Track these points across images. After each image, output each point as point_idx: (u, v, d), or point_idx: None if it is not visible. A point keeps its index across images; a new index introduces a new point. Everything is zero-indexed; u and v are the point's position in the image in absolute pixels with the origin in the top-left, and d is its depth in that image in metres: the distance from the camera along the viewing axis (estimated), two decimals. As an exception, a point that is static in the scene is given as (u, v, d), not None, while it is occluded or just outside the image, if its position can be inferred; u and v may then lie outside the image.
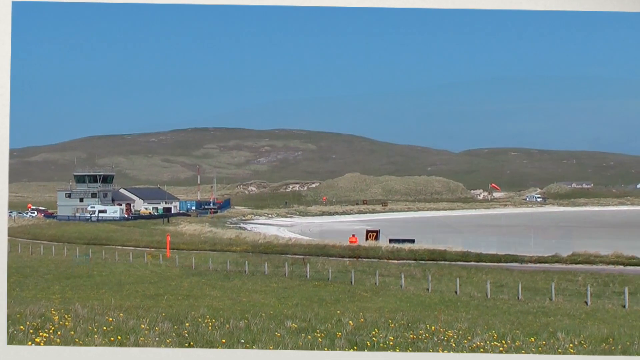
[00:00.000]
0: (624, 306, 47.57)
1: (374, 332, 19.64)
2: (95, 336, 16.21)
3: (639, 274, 64.80)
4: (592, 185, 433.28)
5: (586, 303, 49.36)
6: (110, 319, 20.15)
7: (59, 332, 16.51)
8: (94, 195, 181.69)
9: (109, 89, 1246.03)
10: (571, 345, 19.31)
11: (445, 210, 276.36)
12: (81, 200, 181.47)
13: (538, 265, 79.60)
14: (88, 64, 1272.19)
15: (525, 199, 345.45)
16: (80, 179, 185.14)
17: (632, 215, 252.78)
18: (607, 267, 76.09)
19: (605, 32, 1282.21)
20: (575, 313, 44.07)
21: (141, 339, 16.18)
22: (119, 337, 16.25)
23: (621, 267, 76.75)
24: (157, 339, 16.45)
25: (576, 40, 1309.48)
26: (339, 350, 16.68)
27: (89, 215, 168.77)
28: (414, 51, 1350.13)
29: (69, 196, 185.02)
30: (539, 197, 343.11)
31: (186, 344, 16.32)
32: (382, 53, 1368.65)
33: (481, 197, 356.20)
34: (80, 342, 15.48)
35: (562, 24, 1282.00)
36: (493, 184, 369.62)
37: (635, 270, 71.74)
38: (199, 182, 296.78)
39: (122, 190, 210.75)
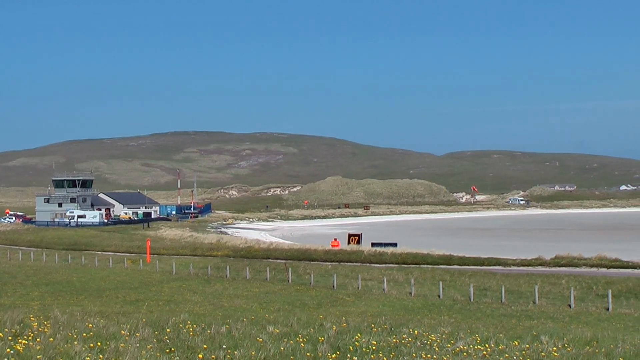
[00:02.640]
0: (608, 309, 47.65)
1: (356, 337, 19.43)
2: (75, 343, 15.92)
3: (623, 277, 64.97)
4: (575, 187, 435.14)
5: (570, 306, 49.40)
6: (90, 325, 19.84)
7: (38, 339, 16.22)
8: (73, 200, 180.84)
9: (88, 92, 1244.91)
10: (555, 348, 19.17)
11: (428, 213, 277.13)
12: (60, 205, 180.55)
13: (521, 268, 79.70)
14: (67, 68, 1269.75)
15: (508, 201, 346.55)
16: (59, 184, 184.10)
17: (615, 217, 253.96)
18: (591, 270, 76.31)
19: (590, 34, 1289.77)
20: (559, 316, 44.11)
21: (121, 345, 15.92)
22: (99, 344, 15.98)
23: (604, 269, 77.00)
24: (137, 345, 16.19)
25: (560, 42, 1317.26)
26: (322, 355, 16.50)
27: (68, 220, 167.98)
28: (395, 53, 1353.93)
29: (48, 201, 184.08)
30: (521, 200, 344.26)
31: (167, 350, 16.08)
32: (364, 56, 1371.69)
33: (464, 199, 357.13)
34: (60, 348, 15.22)
35: (547, 25, 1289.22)
36: (474, 187, 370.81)
37: (618, 272, 71.97)
38: (179, 186, 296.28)
39: (101, 195, 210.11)
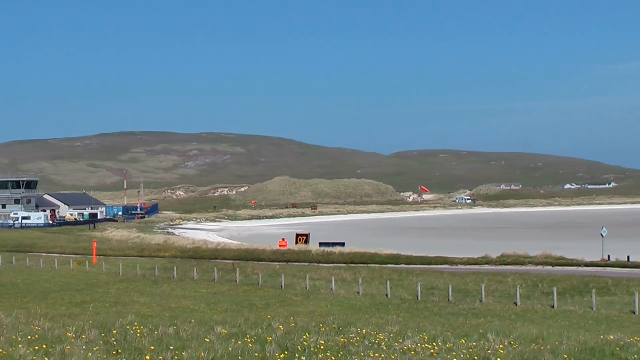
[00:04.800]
0: (553, 306, 48.15)
1: (304, 337, 19.43)
2: (20, 345, 15.74)
3: (567, 274, 65.64)
4: (520, 186, 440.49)
5: (516, 304, 49.84)
6: (36, 327, 19.62)
7: (-19, 343, 16.02)
8: (17, 201, 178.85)
9: (32, 92, 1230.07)
10: (501, 346, 19.30)
11: (375, 212, 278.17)
12: (4, 206, 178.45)
13: (468, 267, 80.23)
14: (9, 67, 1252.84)
15: (455, 200, 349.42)
16: (2, 185, 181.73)
17: (560, 215, 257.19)
18: (536, 268, 77.03)
19: (533, 34, 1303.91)
20: (505, 314, 44.50)
21: (67, 347, 15.76)
22: (44, 346, 15.80)
23: (550, 267, 77.83)
24: (84, 347, 16.04)
25: (504, 42, 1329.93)
26: (270, 355, 16.48)
27: (12, 222, 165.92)
28: (342, 52, 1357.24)
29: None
30: (468, 199, 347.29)
31: (114, 352, 15.95)
32: (310, 55, 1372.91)
33: (411, 199, 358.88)
34: (4, 352, 15.02)
35: (490, 25, 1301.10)
36: (422, 186, 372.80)
37: (563, 270, 72.71)
38: (125, 186, 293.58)
39: (46, 196, 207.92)
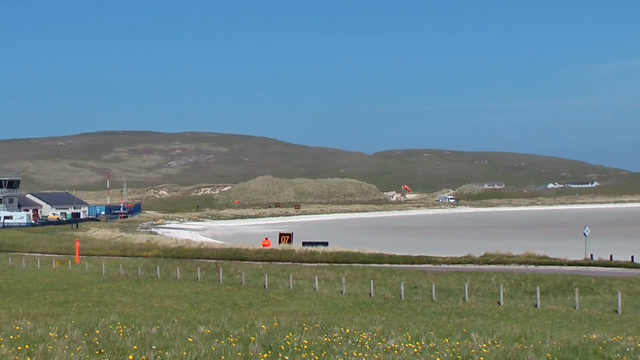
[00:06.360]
0: (536, 305, 48.26)
1: (288, 336, 19.40)
2: (2, 345, 15.65)
3: (550, 274, 65.77)
4: (503, 185, 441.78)
5: (499, 303, 49.92)
6: (18, 327, 19.53)
7: (-37, 343, 15.92)
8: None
9: (14, 91, 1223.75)
10: (484, 345, 19.32)
11: (359, 212, 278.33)
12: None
13: (451, 266, 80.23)
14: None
15: (438, 200, 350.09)
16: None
17: (543, 215, 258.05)
18: (519, 267, 77.11)
19: (516, 34, 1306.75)
20: (488, 313, 44.55)
21: (50, 347, 15.69)
22: (27, 346, 15.72)
23: (532, 266, 77.88)
24: (66, 347, 15.98)
25: (488, 42, 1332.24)
26: (253, 355, 16.45)
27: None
28: (325, 52, 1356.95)
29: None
30: (451, 198, 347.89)
31: (97, 352, 15.88)
32: (293, 55, 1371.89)
33: (394, 198, 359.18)
34: (-14, 352, 14.94)
35: (473, 25, 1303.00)
36: (405, 186, 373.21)
37: (546, 269, 72.85)
38: (108, 186, 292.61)
39: (28, 196, 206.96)
